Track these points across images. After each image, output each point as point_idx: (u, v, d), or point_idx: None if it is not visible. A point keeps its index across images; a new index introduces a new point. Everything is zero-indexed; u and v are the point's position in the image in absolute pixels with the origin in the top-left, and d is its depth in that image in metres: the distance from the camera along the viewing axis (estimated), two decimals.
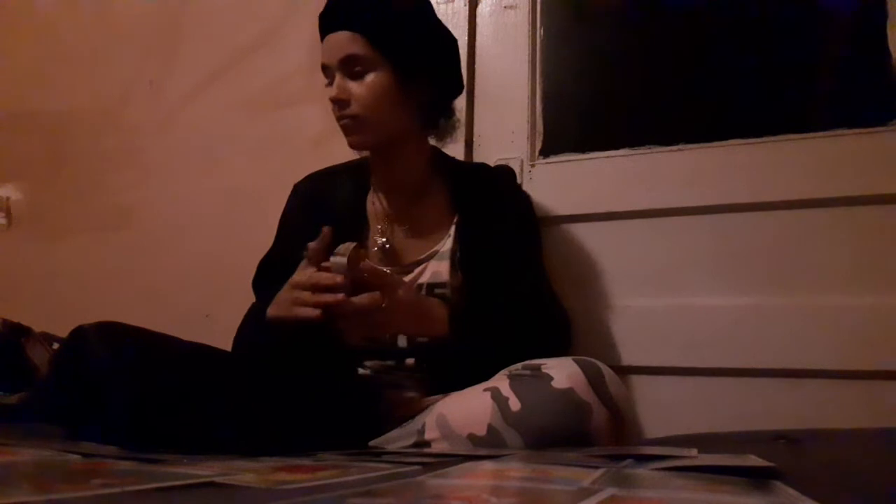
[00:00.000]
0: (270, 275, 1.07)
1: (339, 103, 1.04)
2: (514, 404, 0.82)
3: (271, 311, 0.95)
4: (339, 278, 0.87)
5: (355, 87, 1.03)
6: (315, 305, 0.87)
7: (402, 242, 1.11)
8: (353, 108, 1.03)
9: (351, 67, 1.03)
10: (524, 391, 0.83)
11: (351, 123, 1.04)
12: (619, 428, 0.83)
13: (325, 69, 1.06)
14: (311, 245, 0.91)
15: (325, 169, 1.23)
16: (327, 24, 1.05)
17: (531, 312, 1.06)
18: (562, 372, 0.83)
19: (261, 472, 0.56)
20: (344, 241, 0.90)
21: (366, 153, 1.14)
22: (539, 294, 1.10)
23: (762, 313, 1.17)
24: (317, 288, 0.88)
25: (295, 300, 0.89)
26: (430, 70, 1.08)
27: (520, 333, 1.02)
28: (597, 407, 0.81)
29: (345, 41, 1.03)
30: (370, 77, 1.03)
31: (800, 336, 1.14)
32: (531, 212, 1.21)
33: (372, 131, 1.05)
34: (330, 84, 1.05)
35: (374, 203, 1.15)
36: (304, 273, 0.91)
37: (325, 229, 0.92)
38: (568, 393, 0.81)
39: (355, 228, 1.11)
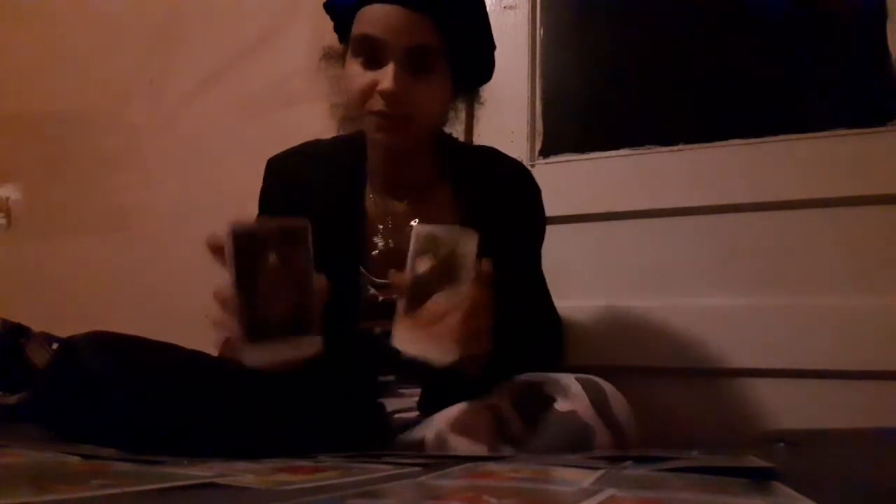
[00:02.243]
0: None
1: (395, 100, 0.86)
2: (516, 426, 0.81)
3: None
4: None
5: (418, 87, 0.87)
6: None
7: (405, 244, 1.05)
8: (410, 111, 0.88)
9: (418, 59, 0.86)
10: (526, 413, 0.81)
11: (395, 125, 0.89)
12: (623, 449, 0.82)
13: (371, 41, 0.86)
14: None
15: (304, 147, 1.07)
16: None
17: (535, 320, 1.03)
18: (565, 393, 0.81)
19: (261, 473, 0.56)
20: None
21: (355, 129, 1.02)
22: (541, 300, 1.08)
23: (761, 313, 1.17)
24: None
25: None
26: (480, 73, 1.00)
27: (525, 342, 1.00)
28: (600, 429, 0.79)
29: (417, 24, 0.85)
30: (436, 77, 0.89)
31: (799, 336, 1.14)
32: (540, 211, 1.11)
33: (416, 137, 0.93)
34: (369, 62, 0.88)
35: (374, 200, 1.02)
36: None
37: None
38: (571, 415, 0.79)
39: (353, 227, 1.00)
